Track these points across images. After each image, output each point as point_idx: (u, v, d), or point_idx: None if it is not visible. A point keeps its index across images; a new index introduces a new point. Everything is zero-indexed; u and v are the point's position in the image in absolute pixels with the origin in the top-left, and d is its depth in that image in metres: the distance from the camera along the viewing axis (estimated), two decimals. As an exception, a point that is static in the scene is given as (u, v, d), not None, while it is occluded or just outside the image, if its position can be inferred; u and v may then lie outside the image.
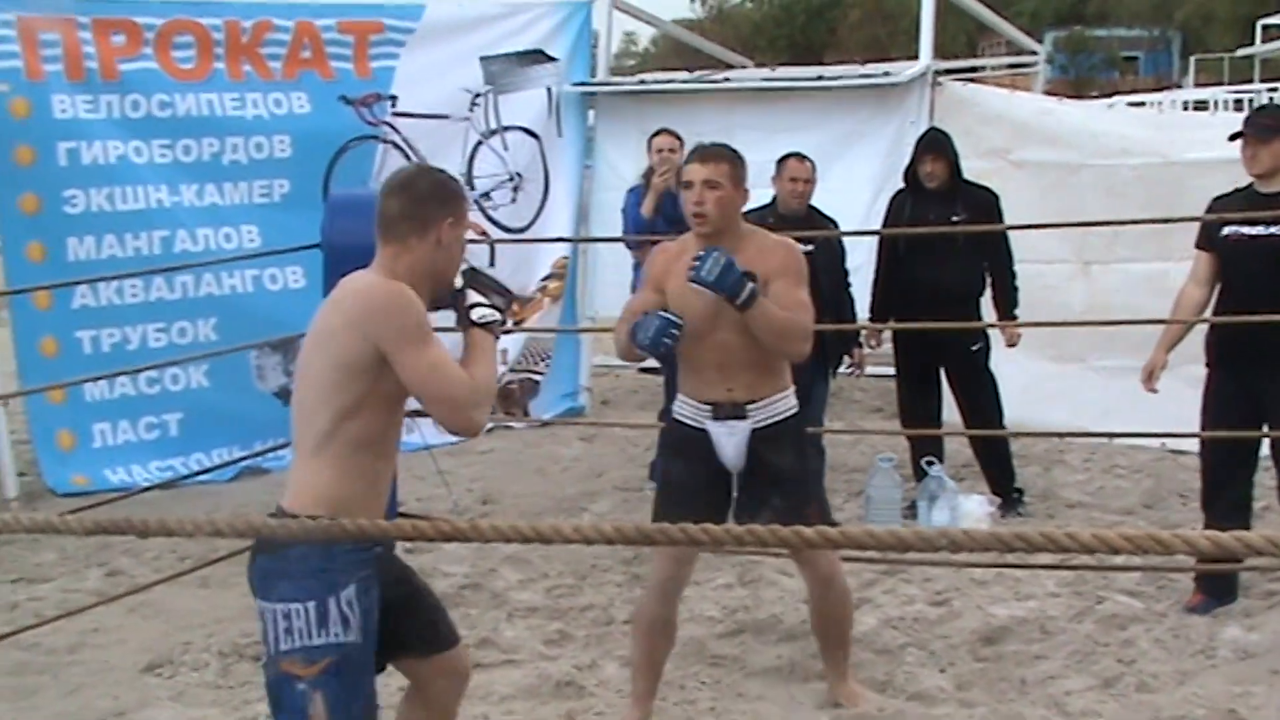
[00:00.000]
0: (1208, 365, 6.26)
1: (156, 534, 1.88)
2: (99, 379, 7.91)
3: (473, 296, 3.89)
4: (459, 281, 3.89)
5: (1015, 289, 7.70)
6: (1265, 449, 6.26)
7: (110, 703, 5.34)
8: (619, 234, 8.87)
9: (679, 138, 8.35)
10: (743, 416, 4.83)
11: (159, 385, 8.56)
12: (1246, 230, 6.13)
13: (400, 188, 3.81)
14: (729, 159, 4.85)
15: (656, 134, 8.53)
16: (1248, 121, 6.26)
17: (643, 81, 11.46)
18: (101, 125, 8.49)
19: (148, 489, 7.69)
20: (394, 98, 9.55)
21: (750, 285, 4.61)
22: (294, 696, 3.53)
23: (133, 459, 8.54)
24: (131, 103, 8.59)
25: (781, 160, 7.55)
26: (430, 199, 3.77)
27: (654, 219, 8.19)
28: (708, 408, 4.87)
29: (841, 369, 8.07)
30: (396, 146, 9.53)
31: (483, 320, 3.82)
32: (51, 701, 5.26)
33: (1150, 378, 6.45)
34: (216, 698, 5.42)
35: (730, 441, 4.85)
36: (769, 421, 4.86)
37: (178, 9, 8.85)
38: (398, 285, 3.62)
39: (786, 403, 4.92)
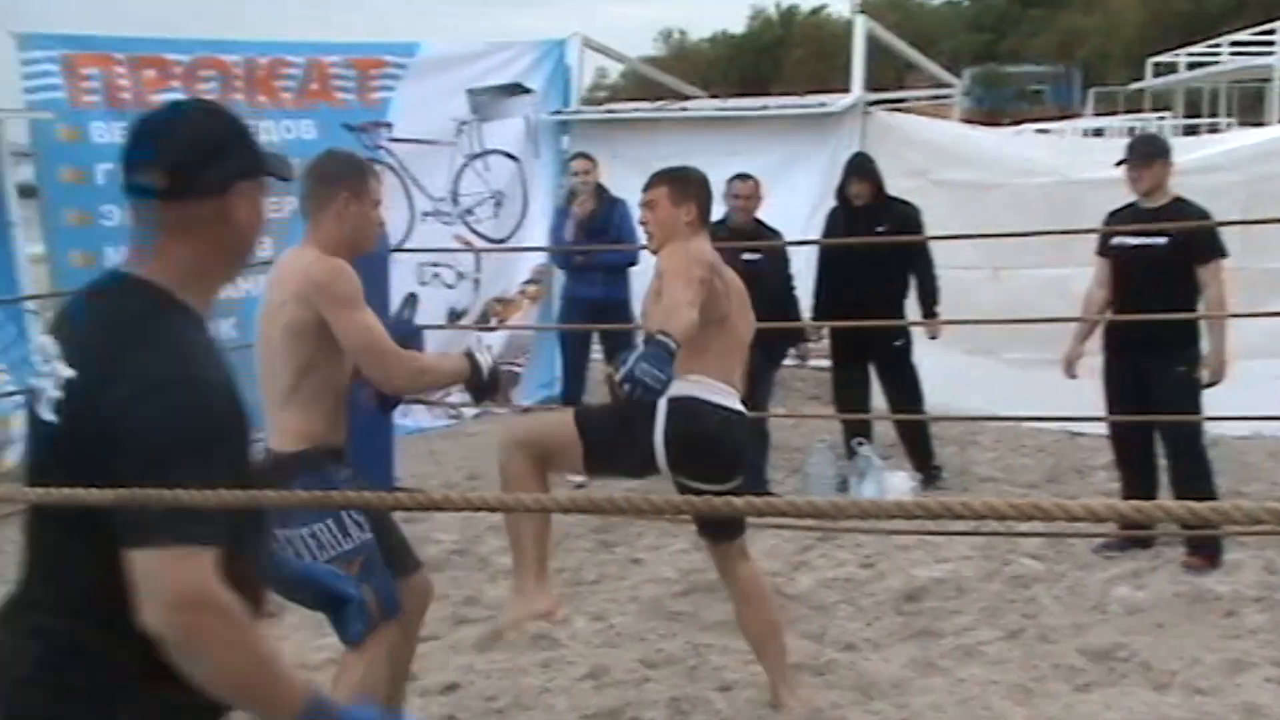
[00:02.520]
0: (1106, 351, 6.42)
1: (169, 505, 1.89)
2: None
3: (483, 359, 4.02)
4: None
5: (936, 290, 7.76)
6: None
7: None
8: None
9: (593, 159, 8.57)
10: None
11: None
12: (1131, 240, 6.28)
13: (306, 172, 3.97)
14: (665, 181, 4.58)
15: (573, 157, 8.69)
16: (1130, 148, 6.39)
17: (611, 110, 11.49)
18: (134, 149, 8.50)
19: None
20: (390, 125, 9.54)
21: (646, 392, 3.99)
22: (341, 596, 3.54)
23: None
24: (162, 129, 8.58)
25: (729, 180, 7.58)
26: (324, 179, 3.92)
27: (577, 239, 8.34)
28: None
29: (786, 361, 8.09)
30: (391, 169, 9.52)
31: (475, 357, 3.92)
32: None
33: (1069, 366, 6.59)
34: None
35: None
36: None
37: (203, 47, 8.87)
38: (330, 260, 3.82)
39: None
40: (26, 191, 8.49)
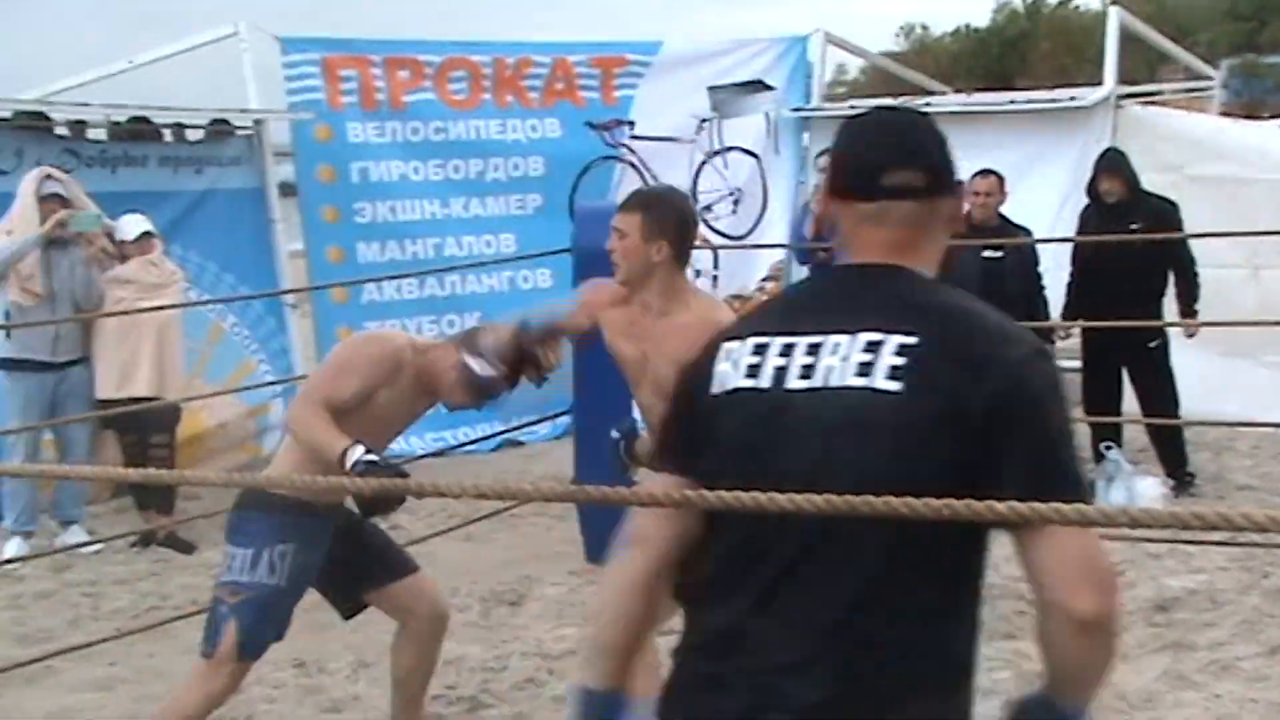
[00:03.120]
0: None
1: (429, 494, 1.93)
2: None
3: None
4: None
5: (1197, 288, 7.49)
6: None
7: (388, 638, 5.49)
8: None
9: None
10: None
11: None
12: None
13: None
14: (641, 209, 4.01)
15: (822, 153, 8.54)
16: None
17: (853, 107, 11.34)
18: (388, 148, 8.81)
19: (422, 456, 7.90)
20: (632, 123, 9.66)
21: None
22: (217, 616, 3.95)
23: (411, 430, 8.75)
24: (412, 129, 8.89)
25: (970, 177, 7.43)
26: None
27: (819, 236, 8.22)
28: None
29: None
30: (633, 166, 9.63)
31: (352, 457, 3.69)
32: (343, 634, 5.41)
33: None
34: (477, 636, 5.55)
35: None
36: None
37: (454, 48, 9.14)
38: None
39: None
40: (286, 190, 8.87)
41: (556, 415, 7.99)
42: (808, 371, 2.00)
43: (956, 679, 2.01)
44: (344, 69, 8.65)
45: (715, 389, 2.08)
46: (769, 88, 10.24)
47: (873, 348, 1.96)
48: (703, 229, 9.94)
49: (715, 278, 10.08)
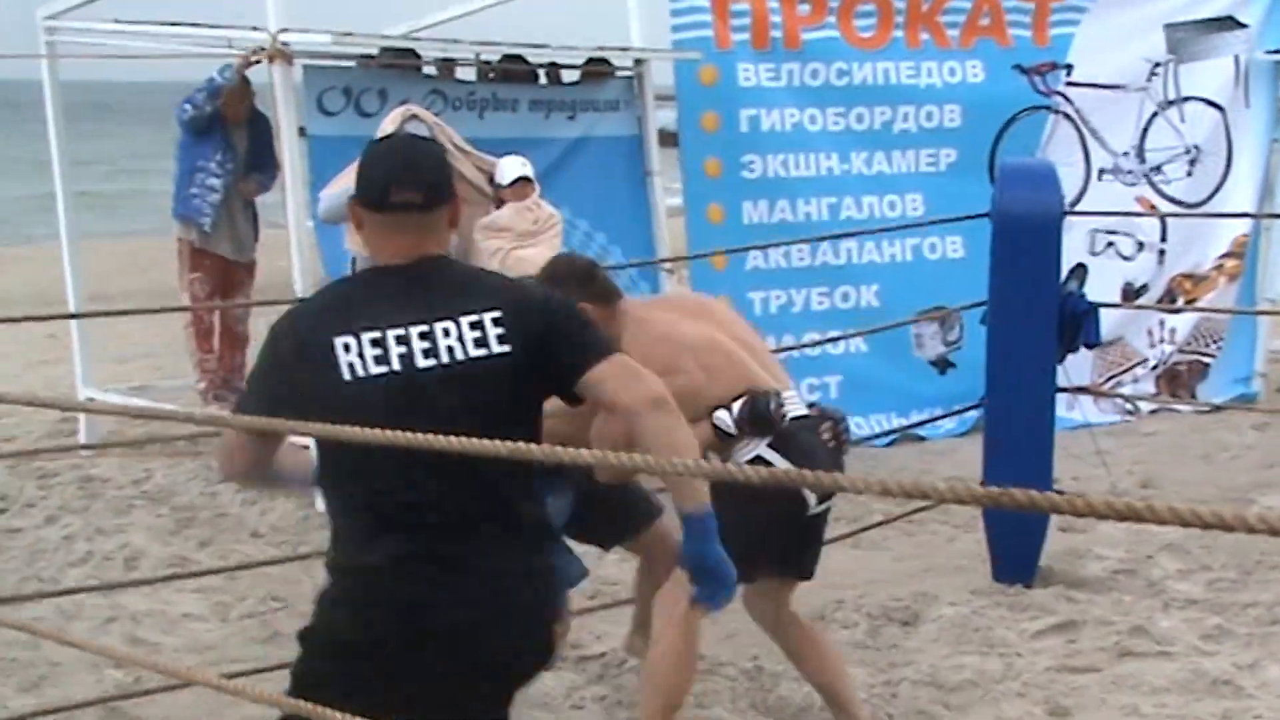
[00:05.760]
0: None
1: (827, 488, 1.94)
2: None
3: None
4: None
5: None
6: None
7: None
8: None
9: None
10: None
11: (820, 348, 8.71)
12: None
13: None
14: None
15: None
16: None
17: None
18: (781, 93, 8.82)
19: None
20: (1069, 66, 9.38)
21: None
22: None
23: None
24: (811, 71, 8.87)
25: None
26: None
27: None
28: None
29: None
30: (1067, 117, 9.37)
31: None
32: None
33: None
34: (864, 658, 5.54)
35: None
36: None
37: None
38: None
39: None
40: (664, 139, 9.04)
41: (965, 410, 7.86)
42: (429, 353, 3.08)
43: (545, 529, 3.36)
44: (735, 3, 8.72)
45: (349, 377, 3.07)
46: (1240, 25, 9.74)
47: (477, 325, 3.11)
48: (1150, 194, 9.60)
49: (1162, 252, 9.70)
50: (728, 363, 4.55)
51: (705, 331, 4.62)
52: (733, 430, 4.44)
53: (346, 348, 3.08)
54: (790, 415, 4.51)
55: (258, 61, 7.83)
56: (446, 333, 3.09)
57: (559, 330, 3.19)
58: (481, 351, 3.09)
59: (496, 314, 3.12)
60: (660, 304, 5.03)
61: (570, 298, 4.25)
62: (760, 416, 4.42)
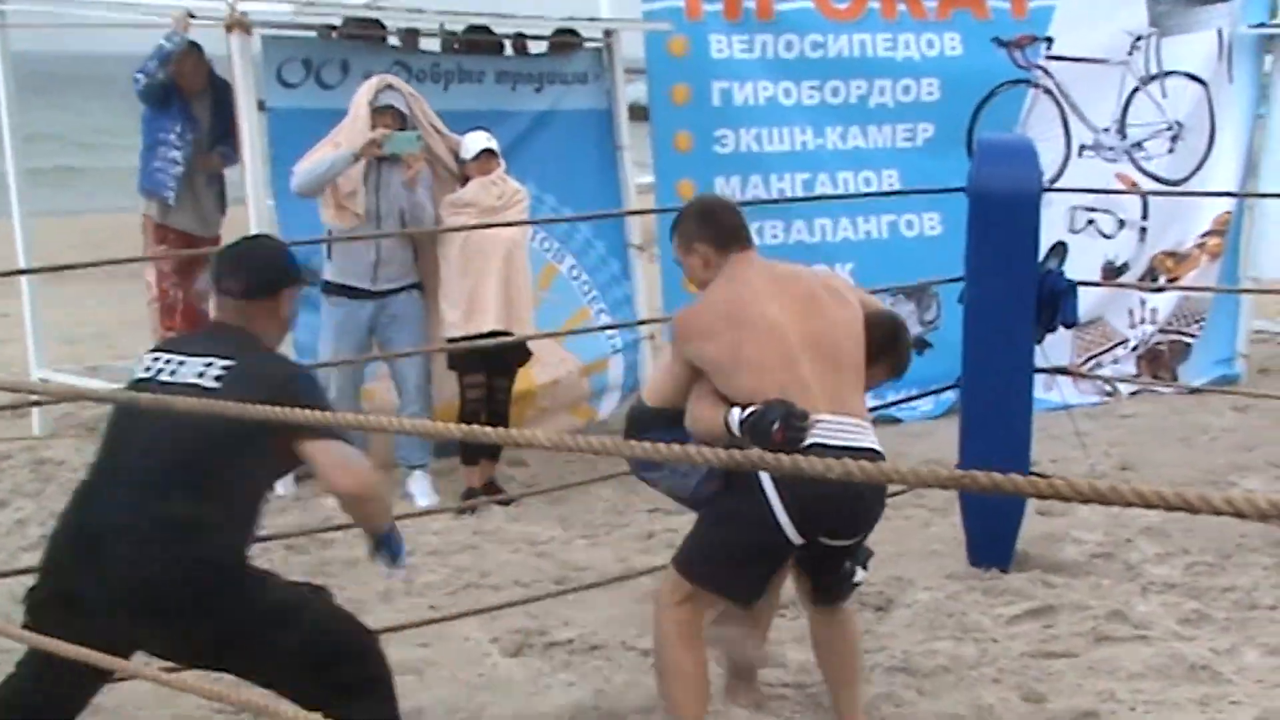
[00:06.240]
0: None
1: (788, 471, 1.94)
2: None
3: None
4: None
5: None
6: None
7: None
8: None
9: None
10: None
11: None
12: None
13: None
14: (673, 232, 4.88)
15: None
16: None
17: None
18: (754, 65, 8.80)
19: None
20: (1049, 40, 9.38)
21: None
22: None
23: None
24: (785, 43, 8.85)
25: None
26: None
27: None
28: None
29: None
30: (1047, 92, 9.37)
31: None
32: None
33: None
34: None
35: None
36: None
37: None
38: None
39: None
40: (634, 113, 9.00)
41: (941, 390, 7.87)
42: (173, 373, 4.02)
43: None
44: (707, -29, 8.70)
45: (134, 377, 4.15)
46: (1224, -2, 9.77)
47: (208, 365, 4.01)
48: (1131, 170, 9.62)
49: (1144, 230, 9.73)
50: (777, 363, 4.37)
51: (780, 323, 4.42)
52: (736, 431, 4.34)
53: (141, 360, 4.27)
54: (814, 443, 4.27)
55: (194, 16, 7.80)
56: (186, 363, 4.11)
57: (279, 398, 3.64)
58: (196, 380, 4.02)
59: (229, 363, 4.02)
60: (776, 278, 4.58)
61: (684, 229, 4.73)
62: (759, 430, 4.24)
